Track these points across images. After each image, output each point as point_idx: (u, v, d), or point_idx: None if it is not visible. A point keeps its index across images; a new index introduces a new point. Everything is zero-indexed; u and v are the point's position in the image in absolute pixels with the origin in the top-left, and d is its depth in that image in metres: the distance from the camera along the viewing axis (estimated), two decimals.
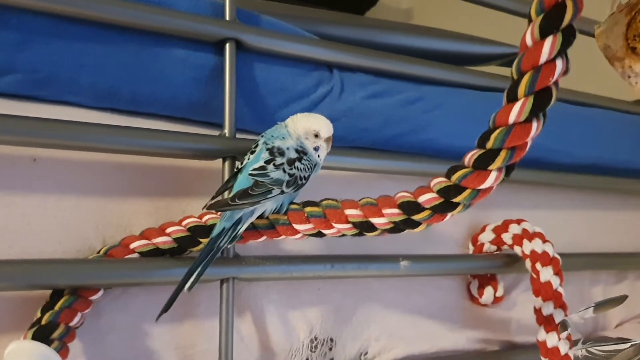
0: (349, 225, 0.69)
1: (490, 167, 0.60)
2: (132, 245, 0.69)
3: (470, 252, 0.99)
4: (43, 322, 0.61)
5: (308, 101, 0.83)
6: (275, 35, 0.80)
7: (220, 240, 0.66)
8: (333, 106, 0.85)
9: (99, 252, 0.69)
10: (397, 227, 0.68)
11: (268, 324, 0.80)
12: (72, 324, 0.63)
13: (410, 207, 0.66)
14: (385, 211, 0.67)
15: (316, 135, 0.70)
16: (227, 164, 0.74)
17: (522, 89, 0.57)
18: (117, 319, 0.70)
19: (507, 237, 0.93)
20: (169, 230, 0.70)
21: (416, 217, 0.66)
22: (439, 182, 0.64)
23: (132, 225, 0.72)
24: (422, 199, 0.65)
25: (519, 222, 0.95)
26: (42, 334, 0.60)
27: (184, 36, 0.74)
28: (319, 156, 0.71)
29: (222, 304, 0.71)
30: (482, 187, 0.62)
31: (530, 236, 0.91)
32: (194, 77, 0.75)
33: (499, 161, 0.60)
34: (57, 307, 0.62)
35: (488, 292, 0.96)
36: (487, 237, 0.96)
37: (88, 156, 0.71)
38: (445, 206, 0.64)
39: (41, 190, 0.68)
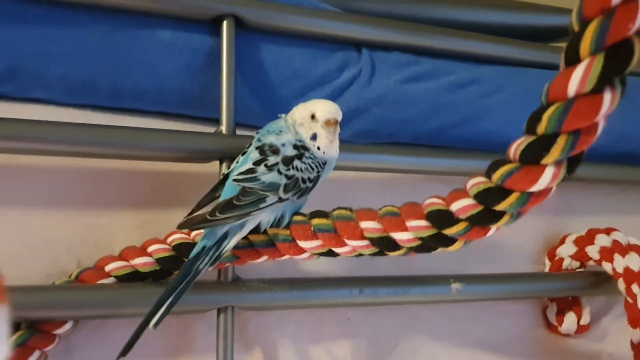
0: (366, 242, 0.55)
1: (543, 161, 0.43)
2: (107, 268, 0.60)
3: (547, 269, 0.85)
4: None
5: (330, 88, 0.71)
6: (284, 8, 0.68)
7: (199, 261, 0.55)
8: (362, 93, 0.72)
9: (70, 277, 0.60)
10: (425, 245, 0.52)
11: None
12: None
13: (441, 218, 0.50)
14: (410, 223, 0.52)
15: (312, 117, 0.56)
16: (224, 166, 0.64)
17: (585, 44, 0.40)
18: (92, 357, 0.62)
19: (593, 251, 0.80)
20: (151, 249, 0.60)
21: (449, 232, 0.50)
22: (476, 183, 0.47)
23: (114, 244, 0.63)
24: (455, 206, 0.49)
25: (608, 231, 0.81)
26: None
27: (171, 14, 0.64)
28: (318, 148, 0.57)
29: (218, 339, 0.61)
30: (534, 189, 0.44)
31: (624, 250, 0.78)
32: (185, 64, 0.65)
33: (555, 151, 0.42)
34: None
35: (569, 319, 0.83)
36: (567, 250, 0.84)
37: (59, 161, 0.62)
38: (485, 216, 0.48)
39: (1, 202, 0.60)
